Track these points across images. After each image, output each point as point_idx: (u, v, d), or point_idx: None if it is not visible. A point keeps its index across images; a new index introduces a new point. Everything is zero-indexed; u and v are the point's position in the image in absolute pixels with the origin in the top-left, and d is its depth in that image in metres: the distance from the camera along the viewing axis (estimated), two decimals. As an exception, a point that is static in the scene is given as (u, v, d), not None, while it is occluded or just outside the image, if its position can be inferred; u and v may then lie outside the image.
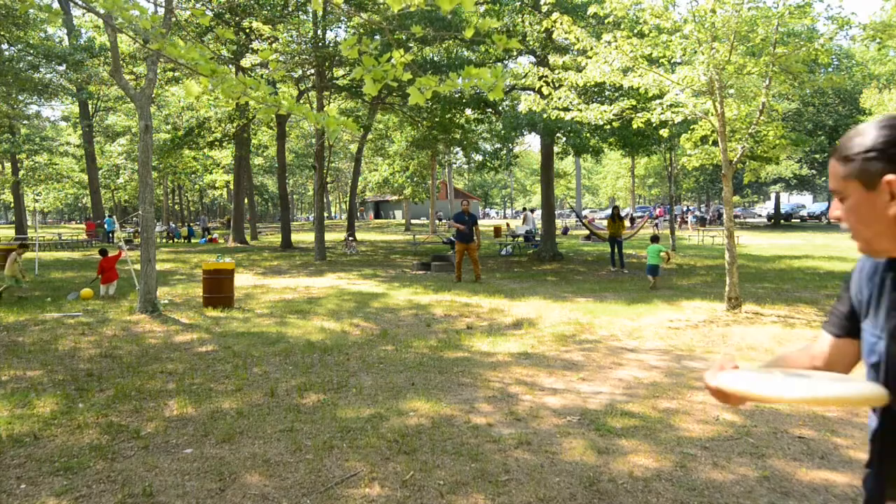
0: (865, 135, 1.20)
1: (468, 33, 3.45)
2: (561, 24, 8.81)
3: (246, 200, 31.63)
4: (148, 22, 4.01)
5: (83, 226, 51.62)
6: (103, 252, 11.65)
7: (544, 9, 12.19)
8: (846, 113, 36.61)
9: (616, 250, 15.73)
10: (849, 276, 1.39)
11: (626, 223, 17.58)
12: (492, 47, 17.25)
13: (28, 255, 19.87)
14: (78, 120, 34.55)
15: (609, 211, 68.75)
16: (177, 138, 24.59)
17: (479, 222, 13.69)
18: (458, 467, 3.67)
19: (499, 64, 19.22)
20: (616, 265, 15.71)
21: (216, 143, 25.26)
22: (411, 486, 3.44)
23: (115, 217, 27.41)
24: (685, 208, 49.61)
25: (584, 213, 52.14)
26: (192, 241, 31.15)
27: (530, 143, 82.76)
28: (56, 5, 27.42)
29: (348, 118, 4.02)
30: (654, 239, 13.12)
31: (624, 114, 10.51)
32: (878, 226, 1.20)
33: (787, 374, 1.23)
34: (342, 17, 20.11)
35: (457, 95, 19.19)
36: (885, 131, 1.17)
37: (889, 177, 1.15)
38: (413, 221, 51.33)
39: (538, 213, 23.51)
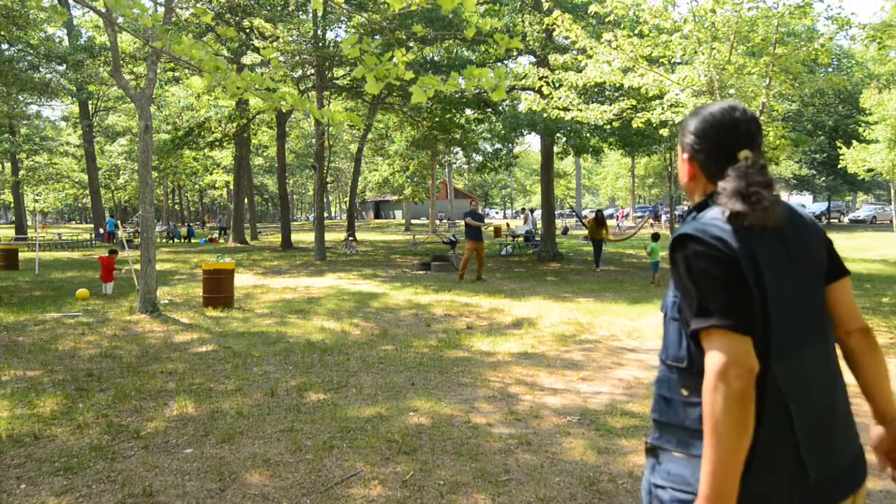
0: (691, 118, 1.51)
1: (470, 33, 3.45)
2: (562, 22, 8.81)
3: (246, 200, 31.62)
4: (149, 20, 4.00)
5: (85, 225, 51.49)
6: (113, 252, 11.90)
7: (546, 6, 12.20)
8: (846, 113, 36.59)
9: (595, 250, 16.30)
10: None
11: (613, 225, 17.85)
12: (492, 47, 17.25)
13: (28, 254, 19.88)
14: (78, 120, 34.55)
15: (610, 210, 68.81)
16: (177, 138, 24.57)
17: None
18: (458, 467, 3.67)
19: (500, 64, 19.22)
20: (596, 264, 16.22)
21: (216, 143, 25.25)
22: (411, 486, 3.44)
23: (116, 217, 27.47)
24: (653, 207, 49.65)
25: (584, 213, 52.12)
26: (192, 241, 31.16)
27: (530, 143, 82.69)
28: (55, 1, 27.42)
29: (350, 112, 4.01)
30: (655, 237, 13.18)
31: (624, 114, 10.51)
32: (683, 184, 1.54)
33: None
34: (342, 18, 20.11)
35: (457, 95, 19.20)
36: (698, 121, 1.48)
37: (685, 155, 1.50)
38: (413, 221, 51.33)
39: (538, 212, 23.52)
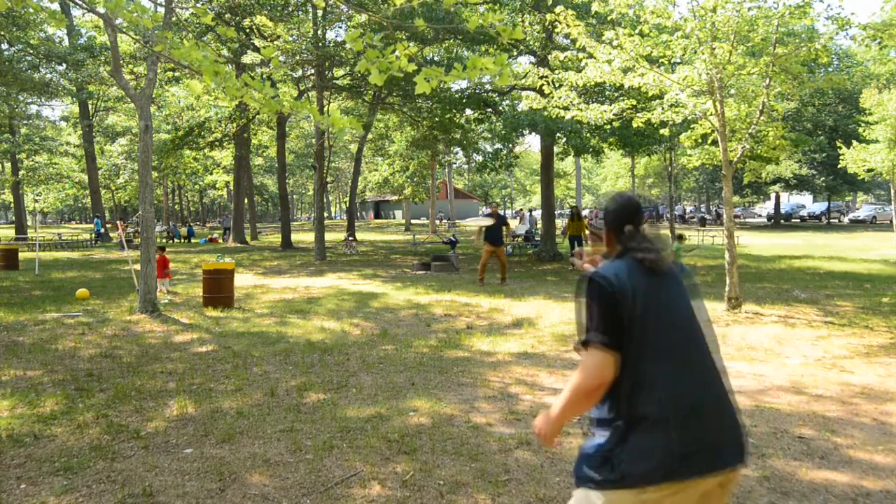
0: (608, 202, 2.11)
1: (472, 25, 3.46)
2: (564, 18, 8.79)
3: (246, 200, 31.62)
4: (150, 21, 4.00)
5: (85, 225, 51.42)
6: (161, 247, 11.99)
7: (549, 1, 12.20)
8: (846, 113, 36.57)
9: (575, 247, 16.09)
10: None
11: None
12: (492, 47, 17.26)
13: (28, 254, 19.88)
14: (78, 120, 34.55)
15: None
16: (177, 138, 24.56)
17: (478, 221, 13.62)
18: (458, 467, 3.67)
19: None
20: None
21: (216, 143, 25.23)
22: (411, 486, 3.44)
23: (116, 216, 27.47)
24: (652, 207, 49.65)
25: (583, 213, 52.19)
26: (192, 241, 31.16)
27: (530, 143, 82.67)
28: (56, 6, 27.42)
29: (351, 117, 4.01)
30: (679, 238, 13.04)
31: (624, 114, 10.50)
32: (607, 248, 2.11)
33: None
34: (342, 17, 20.11)
35: (457, 95, 19.18)
36: (609, 204, 2.11)
37: (605, 228, 2.11)
38: (413, 221, 51.32)
39: (538, 212, 23.51)
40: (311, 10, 20.20)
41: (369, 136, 30.98)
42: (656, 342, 1.80)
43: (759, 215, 54.60)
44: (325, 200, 50.26)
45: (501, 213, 13.27)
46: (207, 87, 3.97)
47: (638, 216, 2.05)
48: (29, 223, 36.44)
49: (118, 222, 16.26)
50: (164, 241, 27.47)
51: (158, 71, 10.86)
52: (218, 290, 9.66)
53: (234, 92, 3.88)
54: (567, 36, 9.61)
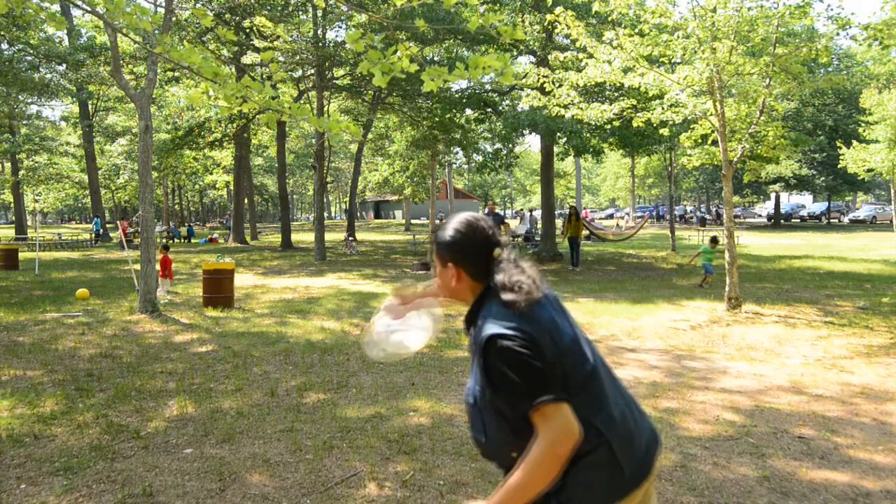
0: (445, 231, 1.71)
1: (472, 26, 3.45)
2: (564, 19, 8.79)
3: (246, 200, 31.61)
4: (149, 24, 4.00)
5: (85, 225, 51.42)
6: (165, 247, 12.00)
7: (549, 2, 12.22)
8: (846, 113, 36.58)
9: (573, 249, 16.16)
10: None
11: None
12: (492, 47, 17.25)
13: (28, 254, 19.88)
14: (78, 120, 34.54)
15: (609, 211, 68.48)
16: (177, 138, 24.57)
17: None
18: (458, 467, 3.67)
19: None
20: (572, 264, 16.11)
21: (216, 143, 25.24)
22: (411, 486, 3.44)
23: (116, 217, 27.43)
24: (653, 207, 49.66)
25: (583, 212, 52.23)
26: (192, 241, 31.15)
27: (530, 143, 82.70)
28: (56, 7, 27.43)
29: (350, 121, 4.01)
30: (714, 241, 12.85)
31: (624, 113, 10.50)
32: (449, 290, 1.74)
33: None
34: (342, 17, 20.11)
35: (457, 95, 19.17)
36: (453, 233, 1.69)
37: (450, 264, 1.69)
38: (413, 221, 51.32)
39: (538, 212, 23.50)
40: (311, 10, 20.20)
41: (369, 136, 30.98)
42: (575, 376, 1.60)
43: (759, 215, 54.64)
44: (325, 200, 50.27)
45: (499, 212, 13.28)
46: (206, 90, 3.96)
47: (500, 243, 1.70)
48: (29, 223, 36.44)
49: (119, 222, 16.25)
50: (164, 240, 27.45)
51: (158, 71, 10.86)
52: (218, 290, 9.66)
53: (231, 100, 3.87)
54: (567, 36, 9.62)
